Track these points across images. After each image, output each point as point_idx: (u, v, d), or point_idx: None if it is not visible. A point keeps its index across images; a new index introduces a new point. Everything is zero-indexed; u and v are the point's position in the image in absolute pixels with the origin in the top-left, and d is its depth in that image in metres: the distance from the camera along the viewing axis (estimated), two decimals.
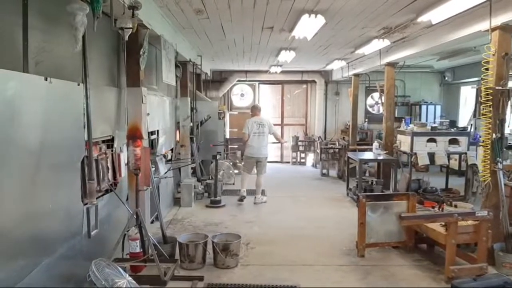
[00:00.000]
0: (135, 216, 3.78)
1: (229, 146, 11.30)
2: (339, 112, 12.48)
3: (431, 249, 4.77)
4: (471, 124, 9.16)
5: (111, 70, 4.28)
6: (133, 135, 3.98)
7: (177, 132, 7.44)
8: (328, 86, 12.40)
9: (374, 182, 7.32)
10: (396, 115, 8.74)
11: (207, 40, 7.00)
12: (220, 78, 12.13)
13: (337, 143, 10.52)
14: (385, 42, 6.36)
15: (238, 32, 6.27)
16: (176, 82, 6.87)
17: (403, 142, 7.15)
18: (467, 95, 11.24)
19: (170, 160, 6.59)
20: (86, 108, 3.22)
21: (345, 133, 11.78)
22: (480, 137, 4.79)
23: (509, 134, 6.77)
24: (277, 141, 8.59)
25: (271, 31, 6.13)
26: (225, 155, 10.50)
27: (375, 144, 7.94)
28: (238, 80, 12.17)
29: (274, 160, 12.18)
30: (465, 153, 6.97)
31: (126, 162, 4.16)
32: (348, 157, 8.14)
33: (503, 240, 4.29)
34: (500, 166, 4.26)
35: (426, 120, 10.08)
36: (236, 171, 9.12)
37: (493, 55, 4.23)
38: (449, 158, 7.11)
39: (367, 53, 7.65)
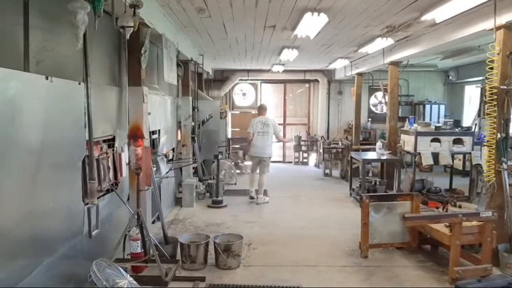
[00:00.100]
0: (136, 216, 3.76)
1: (231, 146, 11.30)
2: (342, 112, 12.44)
3: (435, 250, 4.73)
4: (476, 124, 9.09)
5: (112, 69, 4.26)
6: (134, 135, 3.96)
7: (179, 131, 7.42)
8: (331, 85, 12.35)
9: (377, 182, 7.28)
10: (399, 115, 8.71)
11: (208, 39, 6.97)
12: (222, 77, 12.11)
13: (340, 142, 10.49)
14: (389, 41, 6.31)
15: (240, 30, 6.24)
16: (178, 81, 6.85)
17: (407, 142, 7.11)
18: (471, 95, 11.17)
19: (172, 159, 6.58)
20: (87, 107, 3.20)
21: (348, 132, 11.72)
22: (484, 137, 4.75)
23: None
24: (278, 141, 8.56)
25: (274, 29, 6.10)
26: (227, 154, 10.48)
27: (379, 144, 7.90)
28: (240, 79, 12.14)
29: (277, 160, 12.15)
30: (470, 153, 6.93)
31: (127, 161, 4.14)
32: (351, 157, 8.11)
33: (507, 241, 4.26)
34: (505, 166, 4.22)
35: (430, 120, 10.01)
36: (238, 171, 9.11)
37: (498, 54, 4.20)
38: (453, 158, 7.06)
39: (370, 52, 7.61)
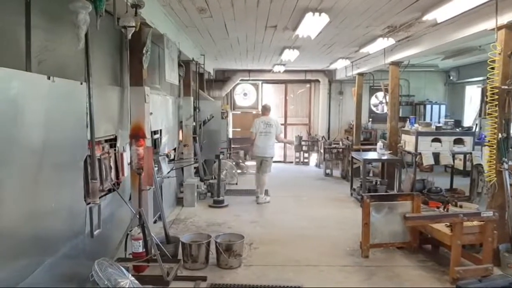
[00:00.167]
0: (138, 216, 3.77)
1: (232, 146, 11.29)
2: (343, 112, 12.44)
3: (436, 250, 4.73)
4: (476, 124, 9.10)
5: (114, 69, 4.27)
6: (136, 135, 3.97)
7: (180, 131, 7.42)
8: (332, 85, 12.35)
9: (378, 182, 7.28)
10: (400, 115, 8.70)
11: (210, 39, 6.98)
12: (223, 78, 12.12)
13: (340, 143, 10.48)
14: (390, 41, 6.31)
15: (241, 30, 6.25)
16: (179, 81, 6.86)
17: (408, 142, 7.11)
18: (472, 95, 11.17)
19: (173, 159, 6.59)
20: (89, 107, 3.21)
21: (349, 132, 11.72)
22: (485, 137, 4.75)
23: None
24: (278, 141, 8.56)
25: (275, 29, 6.10)
26: (228, 154, 10.49)
27: (379, 144, 7.90)
28: (241, 80, 12.15)
29: (278, 160, 12.14)
30: (470, 153, 6.93)
31: (129, 161, 4.15)
32: (352, 157, 8.10)
33: (508, 241, 4.26)
34: (506, 166, 4.22)
35: (431, 120, 10.01)
36: (239, 171, 9.11)
37: (499, 54, 4.20)
38: (454, 158, 7.06)
39: (371, 52, 7.61)
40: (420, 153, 6.72)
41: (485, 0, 4.00)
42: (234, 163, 9.18)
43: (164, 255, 4.06)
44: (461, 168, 8.04)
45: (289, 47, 7.62)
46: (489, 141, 4.37)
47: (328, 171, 10.09)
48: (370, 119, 12.10)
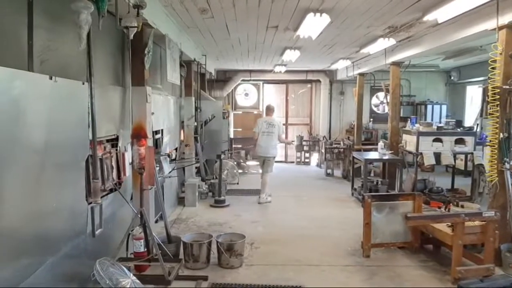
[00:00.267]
0: (139, 216, 3.78)
1: (233, 146, 11.29)
2: (344, 112, 12.43)
3: (437, 249, 4.73)
4: (477, 124, 9.09)
5: (116, 69, 4.28)
6: (138, 134, 3.98)
7: (182, 131, 7.44)
8: (333, 85, 12.35)
9: (379, 182, 7.28)
10: (401, 115, 8.68)
11: (211, 39, 6.99)
12: (224, 78, 12.13)
13: (342, 143, 10.49)
14: (391, 41, 6.31)
15: (243, 31, 6.25)
16: (181, 81, 6.88)
17: (409, 142, 7.11)
18: (473, 95, 11.16)
19: (174, 159, 6.60)
20: (90, 107, 3.22)
21: (350, 132, 11.73)
22: (486, 137, 4.74)
23: None
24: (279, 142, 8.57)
25: (276, 30, 6.11)
26: (229, 154, 10.49)
27: (380, 144, 7.89)
28: (243, 80, 12.16)
29: (279, 160, 12.13)
30: (472, 153, 6.92)
31: (130, 161, 4.16)
32: (353, 157, 8.10)
33: (510, 240, 4.26)
34: (507, 166, 4.22)
35: (432, 120, 10.01)
36: (240, 171, 9.12)
37: (500, 54, 4.19)
38: (455, 158, 7.06)
39: (372, 52, 7.61)
40: (421, 153, 6.73)
41: (486, 0, 3.99)
42: (235, 163, 9.18)
43: (166, 255, 4.07)
44: (462, 168, 8.03)
45: (290, 47, 7.62)
46: (490, 141, 4.37)
47: (329, 171, 10.09)
48: (371, 119, 12.10)
